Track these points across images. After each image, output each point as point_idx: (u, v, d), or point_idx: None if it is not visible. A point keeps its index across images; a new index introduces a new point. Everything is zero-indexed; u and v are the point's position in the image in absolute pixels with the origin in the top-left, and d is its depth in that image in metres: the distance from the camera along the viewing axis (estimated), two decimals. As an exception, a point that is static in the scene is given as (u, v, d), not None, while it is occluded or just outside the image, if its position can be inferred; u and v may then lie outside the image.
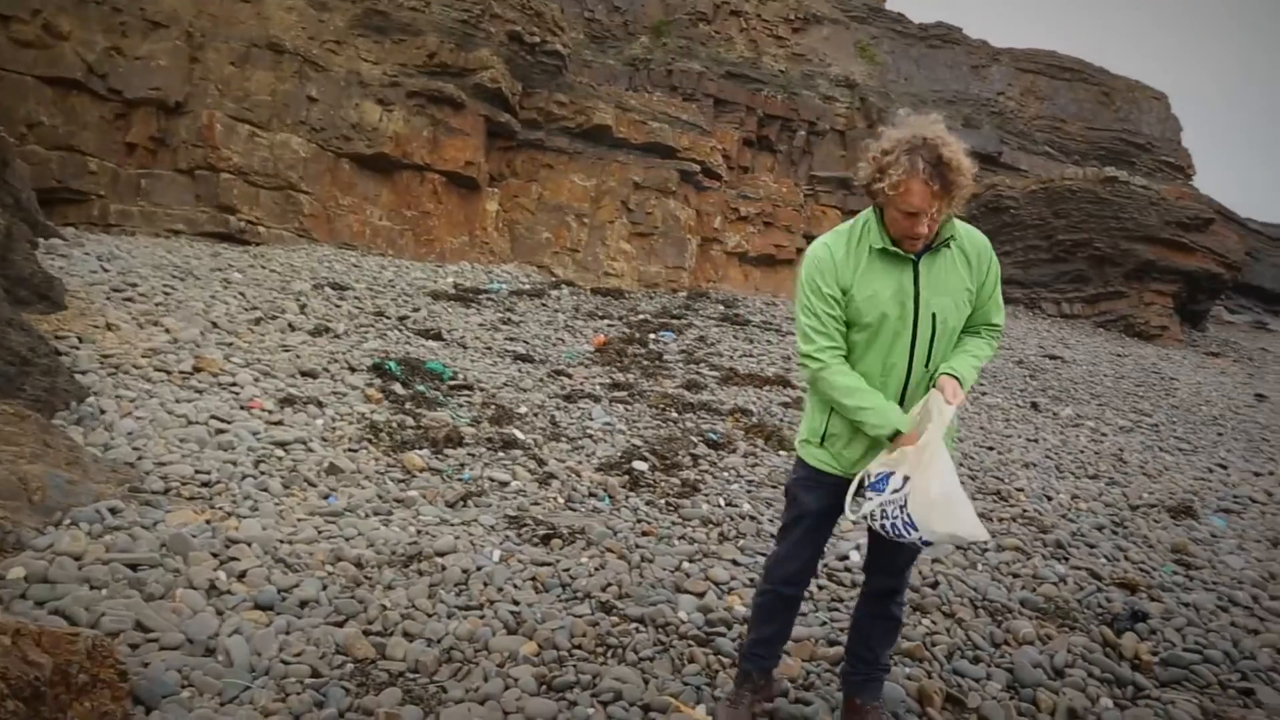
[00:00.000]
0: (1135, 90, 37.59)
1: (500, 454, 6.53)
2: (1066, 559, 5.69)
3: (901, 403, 2.97)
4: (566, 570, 4.51)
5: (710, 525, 5.58)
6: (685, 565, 4.79)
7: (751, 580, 4.65)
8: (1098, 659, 4.07)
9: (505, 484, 5.95)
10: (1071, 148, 34.92)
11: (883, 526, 2.85)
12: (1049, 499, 7.39)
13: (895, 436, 2.85)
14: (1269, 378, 18.54)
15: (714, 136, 20.55)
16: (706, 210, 19.71)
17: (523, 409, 7.92)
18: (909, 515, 2.77)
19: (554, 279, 16.79)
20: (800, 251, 20.25)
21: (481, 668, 3.47)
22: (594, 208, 18.04)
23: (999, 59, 36.02)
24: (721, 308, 16.48)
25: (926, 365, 2.96)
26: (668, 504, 5.93)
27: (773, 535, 5.49)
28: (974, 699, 3.62)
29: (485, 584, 4.24)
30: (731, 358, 11.92)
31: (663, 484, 6.31)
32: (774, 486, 6.61)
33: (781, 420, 8.68)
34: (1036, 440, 9.71)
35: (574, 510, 5.66)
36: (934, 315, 2.93)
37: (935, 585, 4.85)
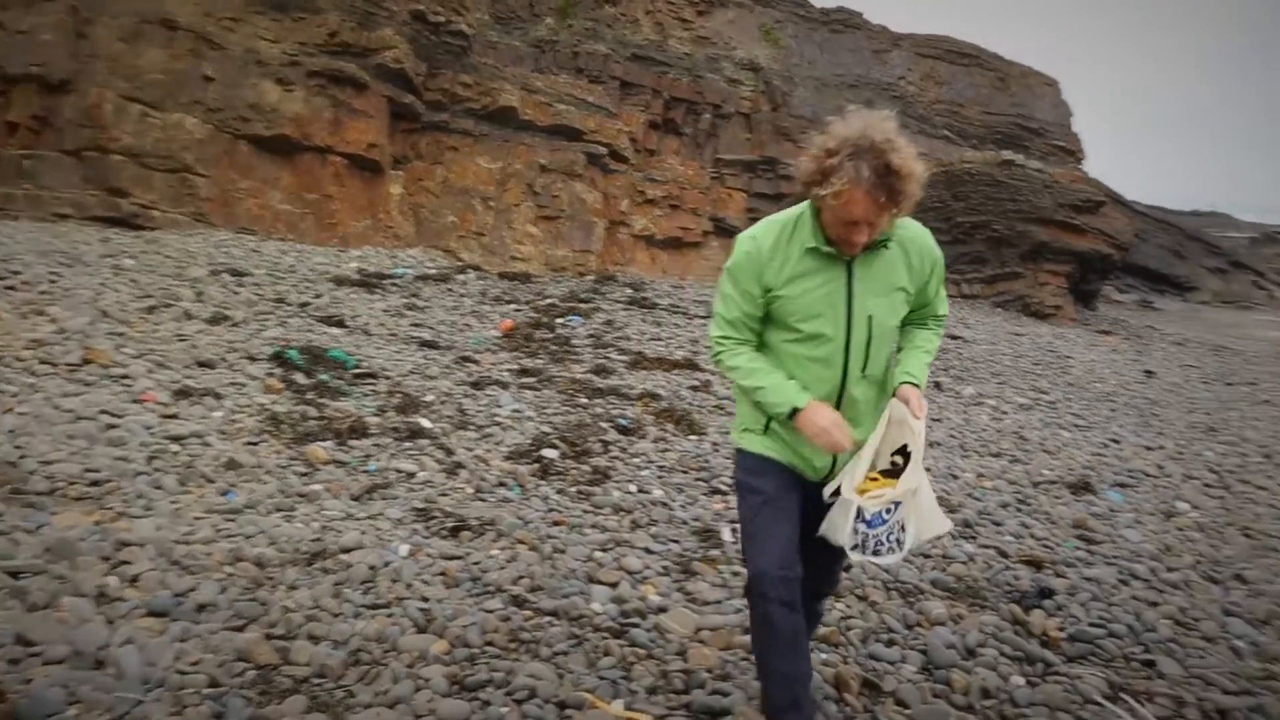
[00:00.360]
0: (1029, 76, 38.60)
1: (406, 444, 6.39)
2: (974, 538, 5.80)
3: (839, 406, 2.83)
4: (477, 564, 4.43)
5: (622, 513, 5.54)
6: (598, 554, 4.75)
7: (665, 569, 4.62)
8: (1008, 637, 4.15)
9: (412, 475, 5.82)
10: (970, 132, 35.73)
11: (876, 555, 2.76)
12: (955, 478, 7.53)
13: (794, 414, 2.75)
14: (1156, 354, 19.25)
15: (620, 119, 20.45)
16: (613, 193, 19.62)
17: (429, 397, 7.77)
18: (903, 535, 2.73)
19: (460, 263, 16.54)
20: (707, 234, 20.35)
21: (391, 669, 3.37)
22: (500, 191, 17.81)
23: (899, 44, 36.60)
24: (629, 291, 16.44)
25: (863, 369, 2.82)
26: (579, 492, 5.88)
27: (685, 520, 5.49)
28: (890, 682, 3.65)
29: (393, 580, 4.13)
30: (640, 341, 11.89)
31: (573, 471, 6.25)
32: (684, 472, 6.60)
33: (691, 404, 8.67)
34: (940, 420, 9.90)
35: (483, 501, 5.56)
36: (870, 318, 2.78)
37: (848, 569, 4.89)
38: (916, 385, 2.83)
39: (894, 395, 2.84)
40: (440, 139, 17.44)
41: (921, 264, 2.86)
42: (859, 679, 3.59)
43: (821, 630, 3.97)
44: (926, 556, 5.27)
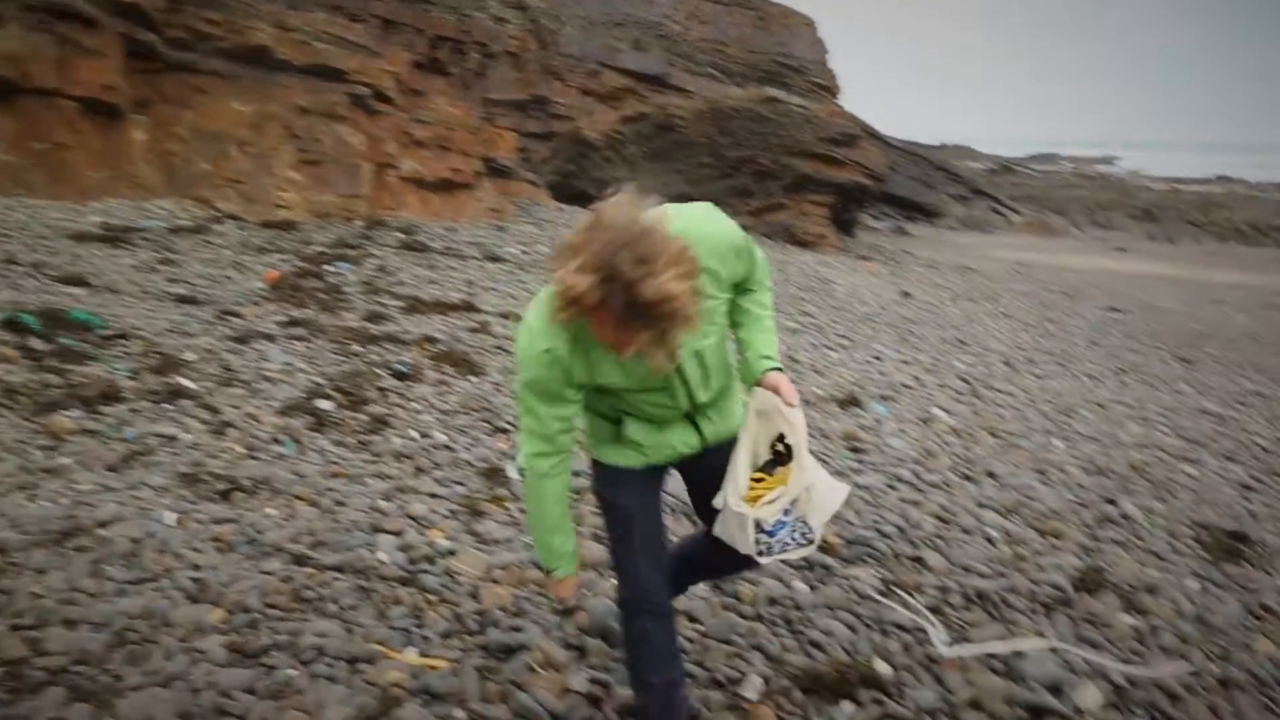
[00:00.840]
0: (788, 16, 39.82)
1: (167, 406, 5.96)
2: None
3: (695, 424, 2.72)
4: (252, 524, 4.19)
5: (404, 459, 5.39)
6: (381, 504, 4.60)
7: (452, 511, 4.54)
8: (788, 548, 4.33)
9: (175, 439, 5.43)
10: (734, 70, 36.57)
11: (783, 554, 2.68)
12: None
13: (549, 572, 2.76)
14: (911, 276, 20.48)
15: (384, 59, 19.65)
16: (379, 136, 18.88)
17: (189, 355, 7.28)
18: (808, 529, 2.65)
19: (216, 213, 15.52)
20: (479, 175, 19.96)
21: (162, 645, 3.14)
22: (257, 135, 16.77)
23: (663, -18, 36.84)
24: (401, 235, 15.94)
25: (705, 387, 2.66)
26: (358, 442, 5.67)
27: (470, 461, 5.41)
28: (681, 601, 3.73)
29: (159, 551, 3.84)
30: (415, 286, 11.58)
31: (350, 421, 6.02)
32: (467, 413, 6.48)
33: (470, 346, 8.53)
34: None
35: (256, 460, 5.27)
36: (697, 353, 2.56)
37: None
38: (778, 368, 2.68)
39: (759, 384, 2.69)
40: (187, 80, 16.18)
41: (723, 263, 2.59)
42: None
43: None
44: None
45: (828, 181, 23.05)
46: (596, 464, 2.84)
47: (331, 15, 21.30)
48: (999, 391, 9.53)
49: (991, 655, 3.49)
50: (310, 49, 17.23)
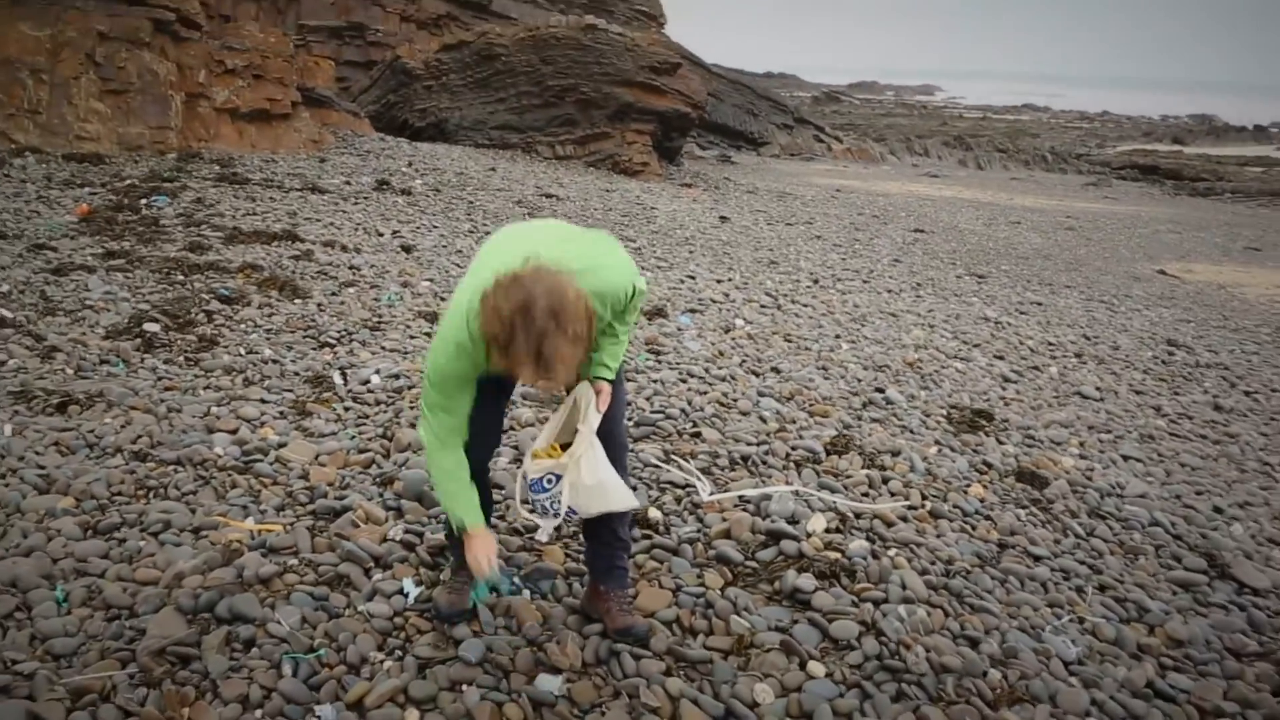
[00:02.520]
0: (609, -59, 39.76)
1: (-12, 333, 6.08)
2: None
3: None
4: (91, 431, 4.52)
5: (234, 373, 5.74)
6: (214, 410, 4.98)
7: (282, 414, 4.96)
8: (584, 432, 4.95)
9: (1, 364, 5.61)
10: (555, -3, 36.47)
11: (547, 517, 3.05)
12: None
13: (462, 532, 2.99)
14: (731, 202, 21.31)
15: (188, -19, 18.92)
16: (189, 64, 18.27)
17: (4, 287, 7.31)
18: (559, 506, 2.98)
19: (14, 145, 14.89)
20: (296, 105, 19.60)
21: (18, 527, 3.52)
22: (53, 62, 16.04)
23: (480, -95, 36.11)
24: (217, 167, 15.67)
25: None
26: (187, 359, 5.97)
27: (297, 372, 5.80)
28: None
29: (2, 456, 4.15)
30: (234, 217, 11.58)
31: (179, 342, 6.28)
32: (292, 332, 6.82)
33: (294, 272, 8.75)
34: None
35: (87, 379, 5.52)
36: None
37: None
38: (609, 380, 3.03)
39: (588, 380, 3.02)
40: (-29, 4, 15.35)
41: (610, 310, 2.95)
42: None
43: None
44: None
45: (649, 110, 23.54)
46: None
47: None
48: (801, 305, 10.34)
49: (743, 499, 4.22)
50: (106, -31, 16.45)
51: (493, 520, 3.38)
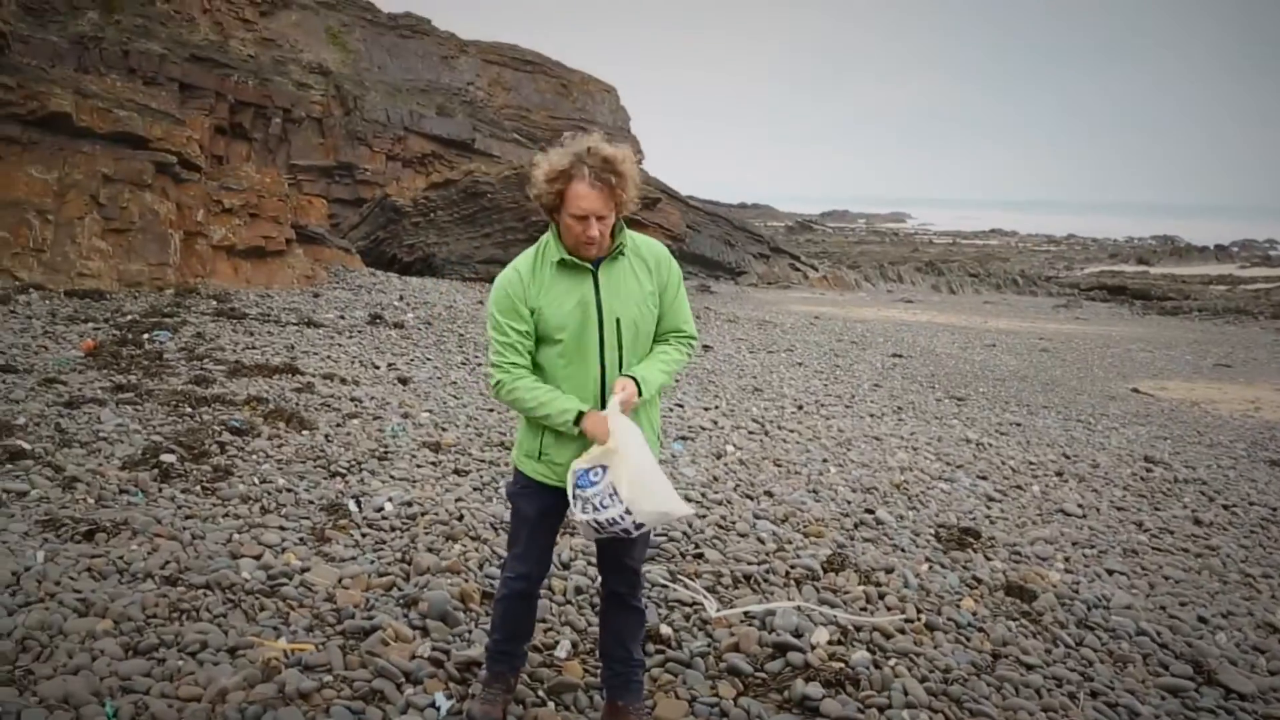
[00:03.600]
0: (588, 83, 41.55)
1: (9, 466, 6.29)
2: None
3: (602, 405, 3.20)
4: (120, 557, 4.71)
5: (251, 501, 5.95)
6: (236, 536, 5.18)
7: (301, 539, 5.16)
8: (592, 550, 5.14)
9: (25, 494, 5.80)
10: (538, 135, 37.79)
11: (597, 522, 3.09)
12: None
13: (579, 419, 3.12)
14: (712, 331, 21.78)
15: (188, 125, 19.68)
16: (188, 203, 18.88)
17: (20, 420, 7.54)
18: (619, 501, 3.03)
19: (18, 283, 15.27)
20: (290, 242, 20.18)
21: (63, 648, 3.69)
22: (59, 203, 16.58)
23: (466, 50, 37.85)
24: (215, 303, 16.09)
25: (620, 370, 3.22)
26: (204, 489, 6.18)
27: (312, 501, 6.02)
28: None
29: (39, 581, 4.33)
30: (235, 351, 11.90)
31: (194, 472, 6.50)
32: (303, 461, 7.05)
33: (297, 405, 9.02)
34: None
35: (109, 508, 5.71)
36: (618, 320, 3.19)
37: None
38: (634, 379, 3.17)
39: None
40: (-19, 148, 15.91)
41: (659, 269, 3.29)
42: (479, 592, 4.42)
43: (444, 563, 4.75)
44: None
45: (632, 242, 24.25)
46: (517, 473, 3.44)
47: (126, 79, 21.19)
48: (787, 430, 10.64)
49: (749, 614, 4.44)
50: (111, 116, 17.15)
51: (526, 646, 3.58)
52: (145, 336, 12.13)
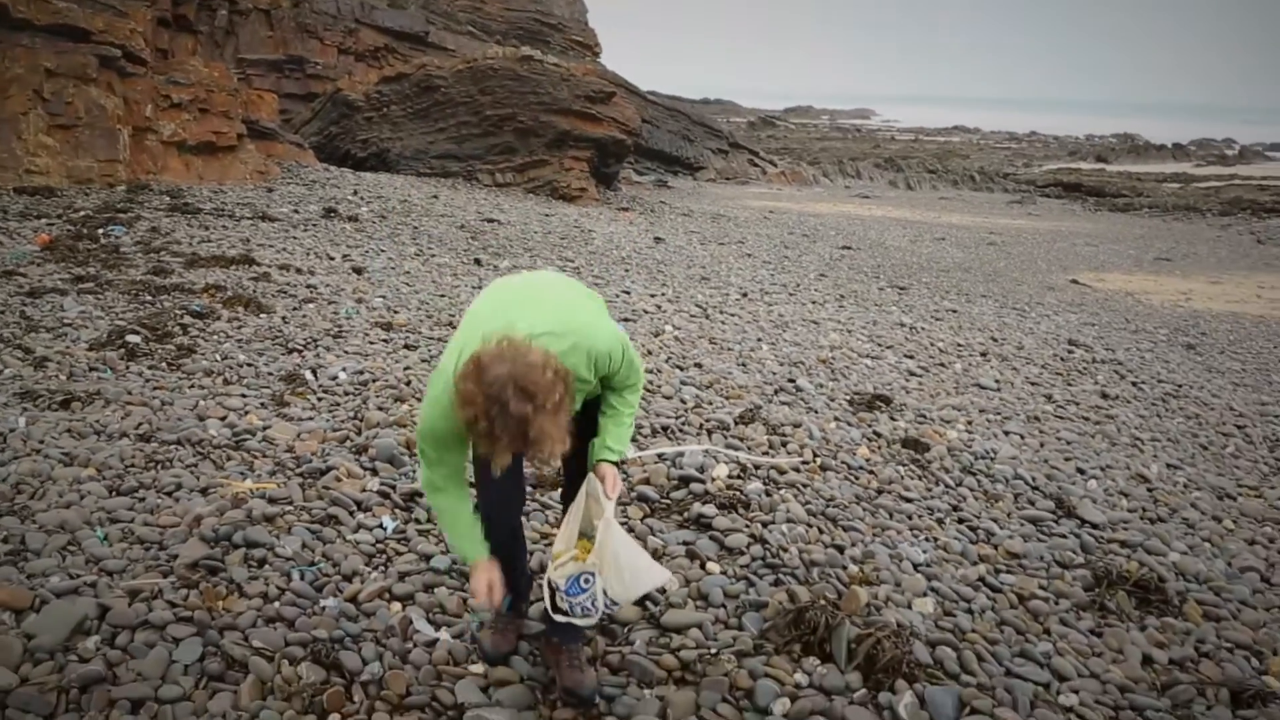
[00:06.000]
0: (543, -27, 40.79)
1: (-22, 349, 6.68)
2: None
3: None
4: (96, 420, 5.20)
5: (214, 374, 6.43)
6: (202, 403, 5.67)
7: (262, 404, 5.67)
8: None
9: (-1, 371, 6.23)
10: (493, 28, 37.35)
11: (586, 617, 2.99)
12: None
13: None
14: (665, 224, 22.18)
15: (131, 17, 19.42)
16: (135, 98, 18.78)
17: (-15, 308, 7.91)
18: (610, 600, 2.96)
19: (-35, 179, 15.33)
20: (241, 138, 20.15)
21: (54, 489, 4.20)
22: (1, 98, 16.51)
23: (416, -60, 36.91)
24: (168, 199, 16.21)
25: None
26: (169, 365, 6.64)
27: (271, 373, 6.50)
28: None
29: (24, 440, 4.81)
30: (191, 244, 12.16)
31: (159, 351, 6.94)
32: (261, 341, 7.51)
33: (255, 292, 9.40)
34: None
35: (80, 383, 6.16)
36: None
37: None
38: (615, 462, 3.07)
39: (592, 471, 3.06)
40: (-82, 43, 15.74)
41: (597, 369, 2.96)
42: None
43: (392, 418, 5.27)
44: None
45: (585, 137, 24.40)
46: None
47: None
48: (728, 314, 11.18)
49: (662, 456, 5.02)
50: (50, 7, 16.90)
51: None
52: (100, 231, 12.36)
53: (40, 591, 3.37)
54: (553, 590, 2.98)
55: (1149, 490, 6.21)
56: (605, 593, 2.92)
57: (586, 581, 2.92)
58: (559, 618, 3.00)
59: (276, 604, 3.43)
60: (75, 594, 3.35)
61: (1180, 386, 9.73)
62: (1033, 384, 9.20)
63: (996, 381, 9.02)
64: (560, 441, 2.61)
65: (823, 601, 3.47)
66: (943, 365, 9.58)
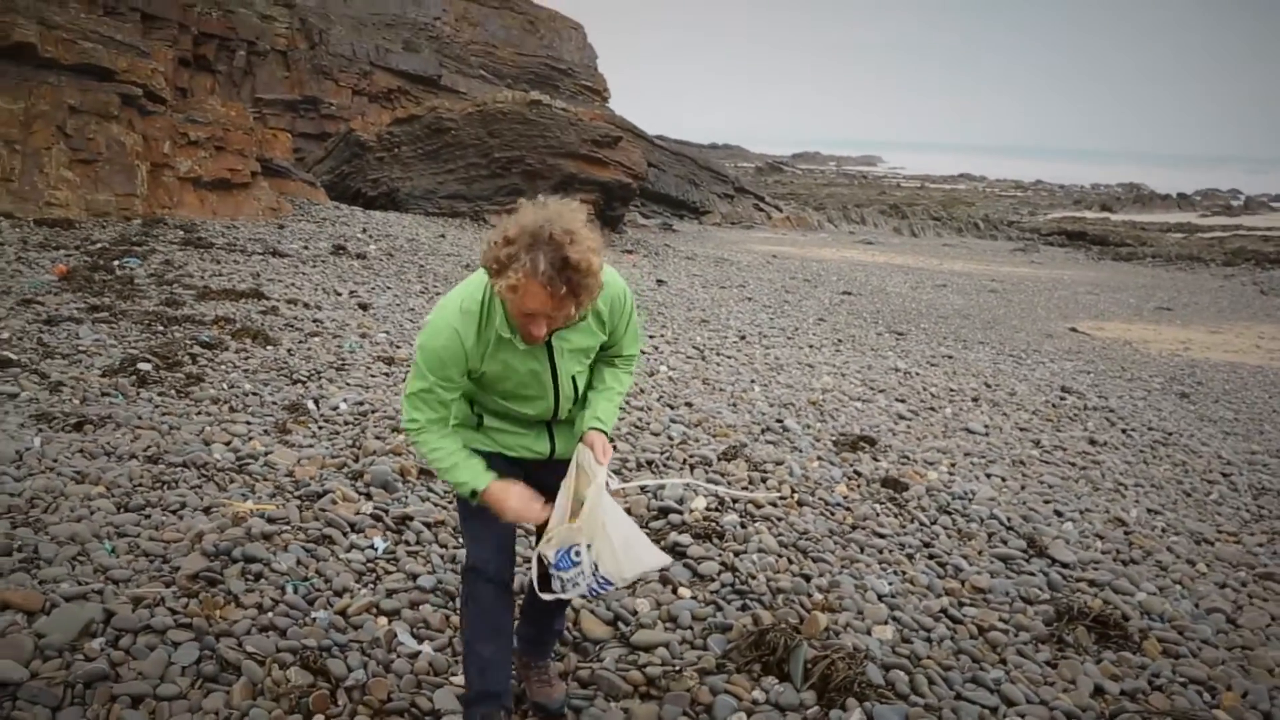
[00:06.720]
0: (556, 20, 41.64)
1: (-1, 372, 6.96)
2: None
3: (550, 433, 3.07)
4: (107, 443, 5.46)
5: (220, 402, 6.69)
6: (208, 429, 5.92)
7: (265, 431, 5.91)
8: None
9: (15, 395, 6.49)
10: (504, 72, 38.05)
11: (580, 595, 2.93)
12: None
13: (475, 495, 2.85)
14: (669, 267, 22.48)
15: (153, 58, 19.96)
16: (154, 135, 19.26)
17: (5, 334, 8.19)
18: (602, 575, 2.82)
19: (-12, 211, 15.71)
20: (255, 175, 20.59)
21: (66, 505, 4.45)
22: (25, 133, 16.94)
23: (432, -15, 37.71)
24: (182, 233, 16.59)
25: (574, 404, 3.02)
26: (178, 392, 6.90)
27: (275, 402, 6.75)
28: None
29: (39, 459, 5.07)
30: (203, 278, 12.47)
31: (169, 379, 7.21)
32: (267, 371, 7.78)
33: (262, 324, 9.68)
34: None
35: (92, 407, 6.42)
36: (573, 378, 2.95)
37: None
38: (604, 431, 2.95)
39: (581, 440, 2.95)
40: (-53, 79, 16.21)
41: (613, 315, 2.93)
42: (417, 468, 5.18)
43: (388, 446, 5.51)
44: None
45: (592, 180, 24.79)
46: None
47: (86, 8, 21.29)
48: (725, 356, 11.40)
49: (644, 488, 5.25)
50: (77, 48, 17.44)
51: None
52: (116, 263, 12.69)
53: (51, 596, 3.61)
54: (543, 565, 2.89)
55: (1125, 533, 6.35)
56: (597, 568, 2.80)
57: (577, 555, 2.81)
58: (547, 596, 2.93)
59: (270, 614, 3.67)
60: (83, 599, 3.59)
61: (1170, 434, 9.85)
62: (1021, 429, 9.34)
63: (985, 426, 9.16)
64: (594, 292, 2.58)
65: (784, 625, 3.69)
66: (933, 409, 9.73)
